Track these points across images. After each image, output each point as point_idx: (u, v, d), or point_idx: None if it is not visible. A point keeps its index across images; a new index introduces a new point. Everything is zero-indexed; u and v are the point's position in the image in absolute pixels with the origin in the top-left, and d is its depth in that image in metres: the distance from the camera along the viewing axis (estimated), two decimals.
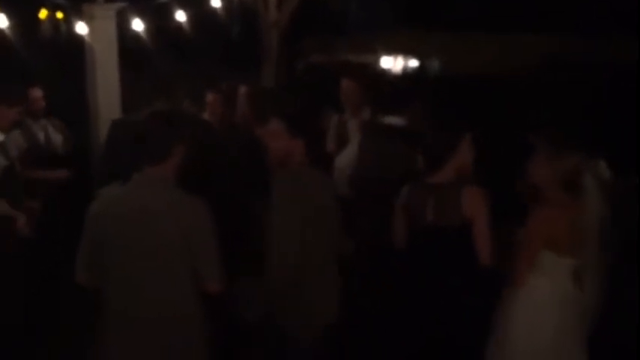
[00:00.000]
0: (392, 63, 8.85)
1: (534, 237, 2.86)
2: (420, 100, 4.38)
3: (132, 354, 2.44)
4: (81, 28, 5.05)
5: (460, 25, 8.08)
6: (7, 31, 4.65)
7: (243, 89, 4.43)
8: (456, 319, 2.91)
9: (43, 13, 6.62)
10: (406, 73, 8.94)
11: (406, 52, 8.78)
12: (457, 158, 2.94)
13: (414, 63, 9.01)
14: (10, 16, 4.64)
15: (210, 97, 4.55)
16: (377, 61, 8.80)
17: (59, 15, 6.58)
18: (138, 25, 5.47)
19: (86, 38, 5.17)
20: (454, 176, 2.93)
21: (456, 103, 4.82)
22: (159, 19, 5.83)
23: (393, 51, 8.74)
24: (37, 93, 4.57)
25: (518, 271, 2.89)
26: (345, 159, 3.96)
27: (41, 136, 4.63)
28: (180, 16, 5.80)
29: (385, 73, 8.72)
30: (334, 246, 2.91)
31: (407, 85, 7.01)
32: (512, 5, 7.98)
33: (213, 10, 5.95)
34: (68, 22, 5.25)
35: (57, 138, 4.77)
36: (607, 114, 6.54)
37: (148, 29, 5.62)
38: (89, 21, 5.04)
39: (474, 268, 2.87)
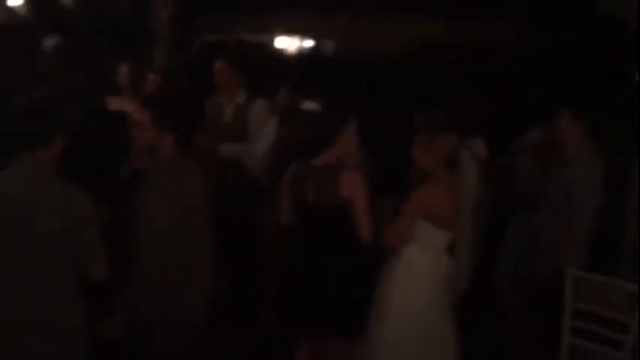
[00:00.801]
0: (288, 43, 8.85)
1: (412, 209, 3.09)
2: (291, 83, 4.48)
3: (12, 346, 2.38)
4: None
5: (357, 5, 8.18)
6: None
7: (123, 68, 4.30)
8: (339, 296, 3.06)
9: None
10: (301, 54, 8.98)
11: (301, 32, 8.81)
12: (340, 144, 3.07)
13: (309, 43, 9.06)
14: None
15: (123, 67, 4.36)
16: (272, 40, 8.78)
17: None
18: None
19: None
20: (335, 159, 3.06)
21: (346, 85, 4.93)
22: None
23: (288, 31, 8.73)
24: None
25: (395, 239, 3.10)
26: (262, 146, 3.97)
27: None
28: None
29: (278, 53, 8.75)
30: (205, 246, 2.79)
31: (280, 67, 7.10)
32: None
33: None
34: None
35: None
36: (486, 94, 6.95)
37: (25, 4, 5.31)
38: None
39: (354, 246, 3.01)
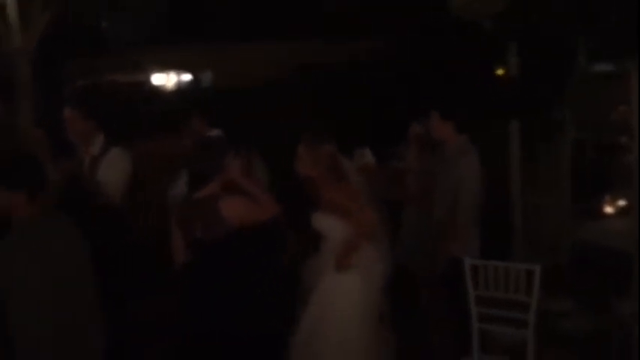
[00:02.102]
0: (164, 79, 8.68)
1: (330, 214, 3.32)
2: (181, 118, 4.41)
3: None
4: None
5: (225, 36, 8.18)
6: None
7: None
8: (241, 330, 2.98)
9: None
10: (180, 89, 8.83)
11: (176, 66, 8.67)
12: (222, 175, 3.00)
13: (186, 77, 8.92)
14: None
15: None
16: (148, 78, 8.56)
17: None
18: None
19: None
20: (218, 190, 2.97)
21: (228, 116, 4.90)
22: None
23: (162, 66, 8.55)
24: None
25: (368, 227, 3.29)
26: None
27: None
28: None
29: (158, 91, 8.55)
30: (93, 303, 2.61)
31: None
32: (268, 14, 8.31)
33: None
34: None
35: None
36: (366, 107, 7.19)
37: None
38: None
39: (251, 275, 2.99)
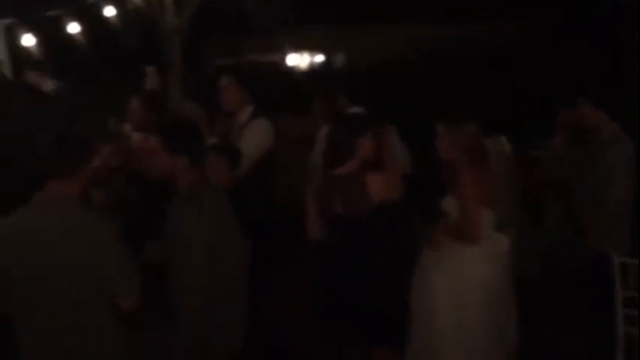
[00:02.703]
0: (298, 60, 8.88)
1: (470, 195, 3.07)
2: (323, 97, 4.46)
3: None
4: None
5: (363, 17, 8.22)
6: None
7: (134, 103, 4.31)
8: (378, 305, 3.00)
9: None
10: (313, 70, 9.00)
11: (311, 48, 8.84)
12: (360, 153, 3.02)
13: (320, 58, 9.08)
14: None
15: (134, 102, 4.37)
16: (283, 59, 8.81)
17: None
18: (29, 40, 5.22)
19: None
20: (358, 167, 3.01)
21: (363, 96, 4.91)
22: (51, 33, 5.59)
23: (298, 47, 8.76)
24: None
25: (472, 229, 3.06)
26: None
27: None
28: (74, 28, 5.58)
29: (291, 71, 8.77)
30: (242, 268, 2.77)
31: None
32: None
33: (108, 21, 5.76)
34: None
35: None
36: (504, 93, 6.91)
37: (40, 44, 5.38)
38: None
39: (387, 252, 2.97)
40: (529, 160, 4.52)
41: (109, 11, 5.79)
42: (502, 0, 7.46)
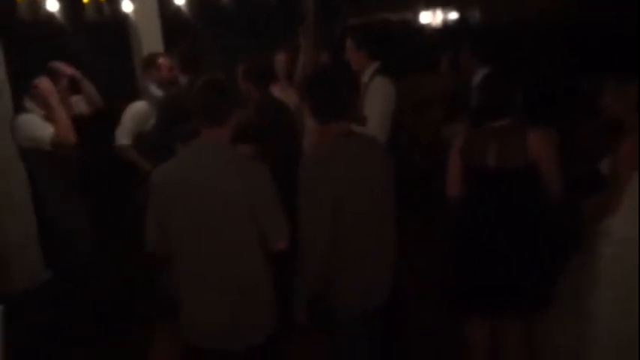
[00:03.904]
0: (431, 17, 8.70)
1: (627, 163, 2.85)
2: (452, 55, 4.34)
3: (204, 315, 2.54)
4: (126, 6, 5.20)
5: None
6: (57, 15, 4.82)
7: (280, 56, 4.51)
8: (523, 270, 2.88)
9: None
10: (446, 26, 8.78)
11: (445, 4, 8.61)
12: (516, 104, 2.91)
13: (453, 15, 8.83)
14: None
15: (280, 56, 4.58)
16: (416, 17, 8.67)
17: None
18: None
19: (130, 16, 5.31)
20: (513, 120, 2.91)
21: (500, 52, 4.74)
22: None
23: (431, 4, 8.56)
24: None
25: (613, 197, 2.87)
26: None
27: None
28: None
29: (424, 29, 8.62)
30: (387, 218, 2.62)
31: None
32: None
33: None
34: (111, 3, 5.39)
35: None
36: None
37: (188, 2, 5.71)
38: None
39: (536, 214, 2.86)
40: None
41: None
42: None
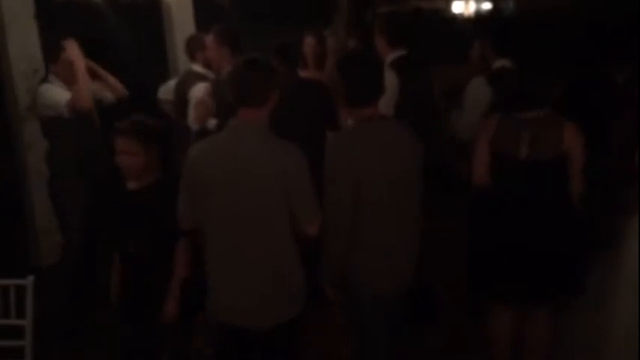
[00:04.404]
0: (463, 7, 8.60)
1: None
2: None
3: (234, 295, 2.54)
4: None
5: None
6: None
7: (308, 39, 4.50)
8: (550, 257, 2.86)
9: None
10: (479, 16, 8.66)
11: None
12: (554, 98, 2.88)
13: (486, 6, 8.71)
14: None
15: (309, 39, 4.58)
16: (448, 6, 8.58)
17: None
18: None
19: None
20: (549, 112, 2.87)
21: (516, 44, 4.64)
22: None
23: None
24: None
25: None
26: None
27: None
28: None
29: (455, 18, 8.51)
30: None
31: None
32: None
33: None
34: None
35: None
36: None
37: None
38: None
39: (565, 205, 2.85)
40: None
41: None
42: None
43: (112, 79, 4.14)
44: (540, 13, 7.04)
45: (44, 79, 3.89)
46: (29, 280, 2.87)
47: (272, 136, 2.51)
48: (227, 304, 2.57)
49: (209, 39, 4.27)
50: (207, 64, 4.42)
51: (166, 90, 4.76)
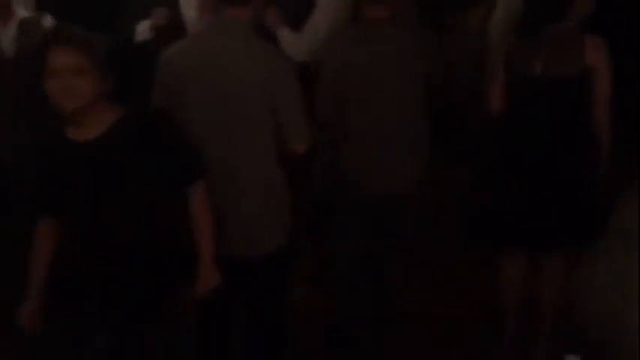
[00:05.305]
0: None
1: None
2: None
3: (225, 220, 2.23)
4: None
5: None
6: None
7: None
8: (570, 198, 2.58)
9: None
10: None
11: None
12: (576, 10, 2.56)
13: None
14: None
15: None
16: None
17: None
18: None
19: None
20: (573, 23, 2.56)
21: None
22: None
23: None
24: None
25: None
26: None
27: None
28: None
29: None
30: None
31: None
32: None
33: None
34: None
35: None
36: None
37: None
38: None
39: (588, 135, 2.56)
40: None
41: None
42: None
43: None
44: None
45: None
46: None
47: (260, 38, 2.26)
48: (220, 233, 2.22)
49: None
50: None
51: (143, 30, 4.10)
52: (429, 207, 3.49)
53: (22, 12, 3.02)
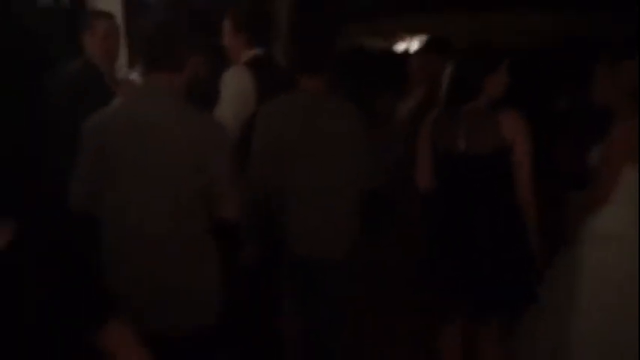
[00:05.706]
0: (407, 45, 8.66)
1: (616, 153, 2.61)
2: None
3: (132, 283, 2.14)
4: None
5: (477, 6, 7.92)
6: None
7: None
8: (502, 266, 2.64)
9: None
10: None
11: (418, 33, 8.58)
12: (489, 90, 2.67)
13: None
14: None
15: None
16: (391, 45, 8.60)
17: None
18: None
19: None
20: (487, 102, 2.68)
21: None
22: None
23: (413, 34, 8.50)
24: None
25: (602, 189, 2.64)
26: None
27: None
28: None
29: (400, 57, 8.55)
30: None
31: None
32: None
33: None
34: None
35: None
36: None
37: None
38: None
39: (514, 206, 2.63)
40: None
41: None
42: None
43: None
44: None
45: None
46: None
47: (189, 104, 2.21)
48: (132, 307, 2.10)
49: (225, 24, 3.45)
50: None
51: None
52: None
53: None
